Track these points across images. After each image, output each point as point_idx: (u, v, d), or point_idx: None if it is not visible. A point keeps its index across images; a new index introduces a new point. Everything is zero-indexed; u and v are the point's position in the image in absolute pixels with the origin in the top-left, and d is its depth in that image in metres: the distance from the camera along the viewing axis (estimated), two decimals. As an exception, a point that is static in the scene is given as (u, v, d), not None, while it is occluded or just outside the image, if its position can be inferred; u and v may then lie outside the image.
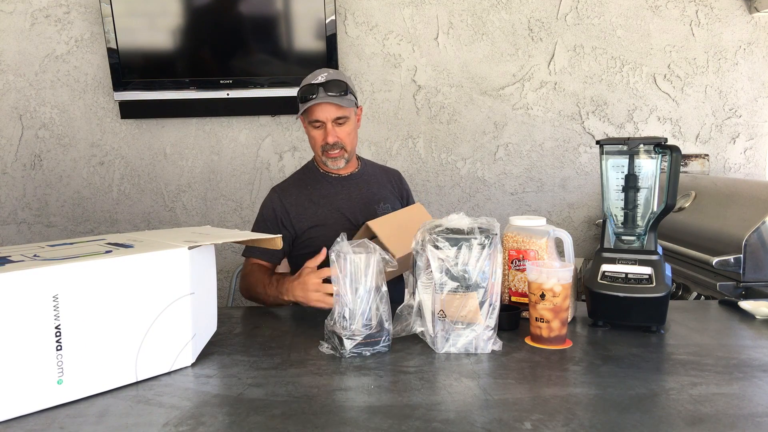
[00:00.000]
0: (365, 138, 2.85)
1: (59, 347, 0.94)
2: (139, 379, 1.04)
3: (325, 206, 1.80)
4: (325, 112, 1.69)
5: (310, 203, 1.80)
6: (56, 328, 0.93)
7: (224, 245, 2.81)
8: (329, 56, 2.67)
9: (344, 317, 1.17)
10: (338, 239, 1.21)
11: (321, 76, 1.69)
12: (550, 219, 2.91)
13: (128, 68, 2.65)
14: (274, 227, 1.78)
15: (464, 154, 2.89)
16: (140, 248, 1.07)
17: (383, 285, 1.19)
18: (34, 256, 1.01)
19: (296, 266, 1.75)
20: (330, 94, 1.66)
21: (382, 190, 1.90)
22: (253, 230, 1.73)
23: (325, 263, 1.37)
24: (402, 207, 1.90)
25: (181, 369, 1.11)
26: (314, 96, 1.66)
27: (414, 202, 1.92)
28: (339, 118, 1.71)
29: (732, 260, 1.92)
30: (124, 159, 2.83)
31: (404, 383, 1.03)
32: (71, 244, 1.13)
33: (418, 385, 1.02)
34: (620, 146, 1.33)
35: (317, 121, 1.71)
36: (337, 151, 1.75)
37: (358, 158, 1.94)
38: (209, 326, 1.21)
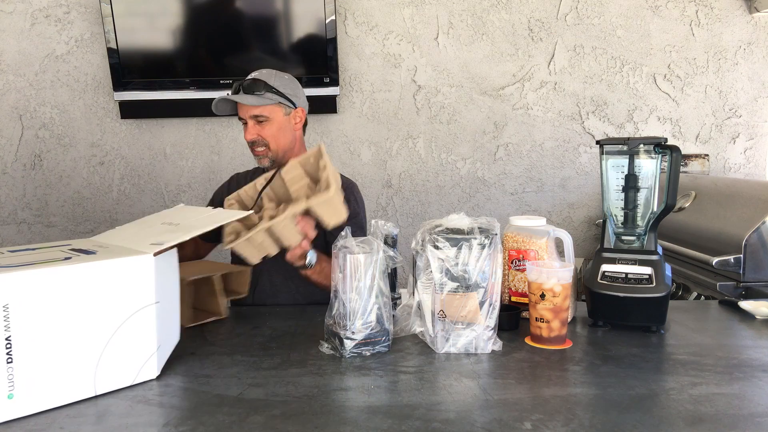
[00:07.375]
0: (365, 138, 2.85)
1: (9, 360, 0.89)
2: (98, 393, 0.99)
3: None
4: (242, 110, 1.71)
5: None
6: (6, 339, 0.89)
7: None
8: (329, 56, 2.67)
9: (344, 317, 1.16)
10: (342, 233, 1.21)
11: (249, 76, 1.70)
12: (550, 219, 2.91)
13: (128, 68, 2.65)
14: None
15: (464, 154, 2.89)
16: (102, 255, 1.03)
17: (384, 285, 1.18)
18: None
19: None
20: (246, 93, 1.67)
21: None
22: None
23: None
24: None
25: (180, 369, 1.11)
26: (230, 94, 1.69)
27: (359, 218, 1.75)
28: (257, 116, 1.69)
29: (732, 260, 1.92)
30: (124, 159, 2.83)
31: (404, 383, 1.03)
32: (34, 249, 1.09)
33: (418, 385, 1.02)
34: (620, 146, 1.33)
35: (240, 118, 1.73)
36: (262, 149, 1.71)
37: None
38: (172, 336, 1.15)
